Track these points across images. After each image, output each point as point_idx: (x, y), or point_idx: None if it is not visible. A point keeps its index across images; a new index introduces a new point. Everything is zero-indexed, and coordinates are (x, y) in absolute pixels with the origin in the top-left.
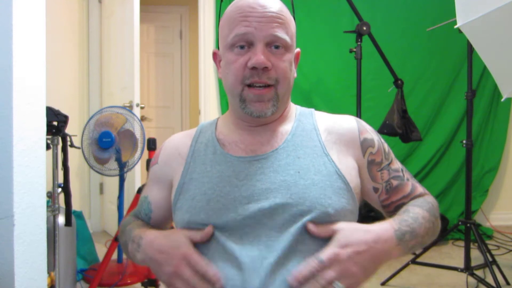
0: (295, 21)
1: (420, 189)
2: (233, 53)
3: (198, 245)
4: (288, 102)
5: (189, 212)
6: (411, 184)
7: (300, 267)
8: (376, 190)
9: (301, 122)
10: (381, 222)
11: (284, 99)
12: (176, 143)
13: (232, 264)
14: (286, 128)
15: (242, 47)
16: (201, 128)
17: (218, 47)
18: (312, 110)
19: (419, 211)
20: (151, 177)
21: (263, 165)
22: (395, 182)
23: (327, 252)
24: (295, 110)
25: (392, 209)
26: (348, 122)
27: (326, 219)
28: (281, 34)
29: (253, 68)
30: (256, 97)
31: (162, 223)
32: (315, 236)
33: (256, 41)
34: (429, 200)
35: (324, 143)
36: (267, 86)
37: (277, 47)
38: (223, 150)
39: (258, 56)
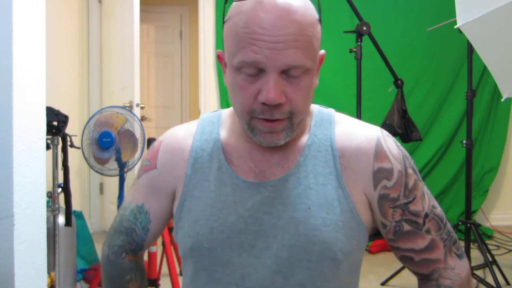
0: (320, 22)
1: (439, 252)
2: (240, 77)
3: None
4: (305, 120)
5: (191, 238)
6: (430, 240)
7: None
8: (384, 226)
9: (316, 137)
10: None
11: (301, 124)
12: (180, 145)
13: None
14: (299, 144)
15: (251, 73)
16: (202, 127)
17: (221, 47)
18: (332, 115)
19: None
20: (145, 183)
21: (271, 194)
22: (407, 227)
23: None
24: (310, 118)
25: (399, 257)
26: (365, 144)
27: (335, 264)
28: (299, 61)
29: (264, 103)
30: (267, 129)
31: (158, 233)
32: None
33: (267, 69)
34: None
35: (340, 169)
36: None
37: (294, 74)
38: (229, 168)
39: (270, 92)
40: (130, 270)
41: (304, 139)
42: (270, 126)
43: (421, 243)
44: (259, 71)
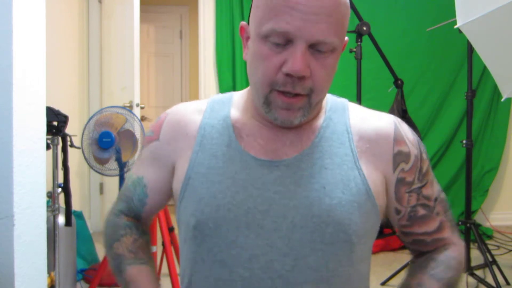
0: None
1: (447, 232)
2: (266, 47)
3: (201, 271)
4: (321, 103)
5: (195, 216)
6: (439, 221)
7: None
8: (398, 212)
9: (332, 121)
10: None
11: (318, 105)
12: (184, 119)
13: None
14: (314, 125)
15: (278, 43)
16: (212, 105)
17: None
18: (345, 103)
19: None
20: (147, 154)
21: (284, 173)
22: (421, 212)
23: None
24: (325, 102)
25: (410, 241)
26: (384, 127)
27: (349, 247)
28: (330, 38)
29: (288, 74)
30: (285, 105)
31: (157, 208)
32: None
33: (296, 40)
34: (452, 263)
35: (356, 151)
36: (299, 94)
37: (322, 50)
38: (239, 145)
39: (296, 63)
40: (125, 226)
41: (320, 121)
42: (288, 102)
43: (432, 225)
44: (287, 42)
